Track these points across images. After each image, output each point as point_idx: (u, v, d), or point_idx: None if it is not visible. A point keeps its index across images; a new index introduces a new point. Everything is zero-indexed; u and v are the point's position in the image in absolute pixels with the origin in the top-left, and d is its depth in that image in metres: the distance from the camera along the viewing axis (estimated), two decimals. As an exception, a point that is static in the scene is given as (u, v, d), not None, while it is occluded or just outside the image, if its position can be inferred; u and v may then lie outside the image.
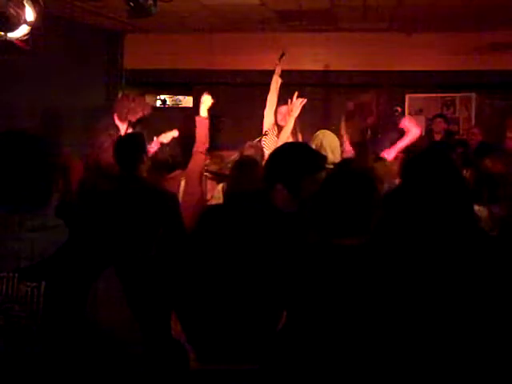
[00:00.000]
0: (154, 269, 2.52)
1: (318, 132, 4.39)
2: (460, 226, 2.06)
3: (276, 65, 5.39)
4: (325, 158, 2.44)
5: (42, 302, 1.53)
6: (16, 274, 1.55)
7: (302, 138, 5.10)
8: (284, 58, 5.03)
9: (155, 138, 4.98)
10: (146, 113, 5.26)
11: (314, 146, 4.26)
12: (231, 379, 1.05)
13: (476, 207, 2.65)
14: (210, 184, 4.84)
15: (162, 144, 5.02)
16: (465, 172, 3.92)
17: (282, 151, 2.45)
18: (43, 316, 1.53)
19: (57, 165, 1.70)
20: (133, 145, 3.53)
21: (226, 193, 3.29)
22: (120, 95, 6.76)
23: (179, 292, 1.09)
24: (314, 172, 2.24)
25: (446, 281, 1.96)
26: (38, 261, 1.55)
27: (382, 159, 4.48)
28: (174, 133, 5.28)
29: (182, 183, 4.13)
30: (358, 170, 2.63)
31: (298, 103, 4.55)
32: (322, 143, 4.22)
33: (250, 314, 1.06)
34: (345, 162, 4.03)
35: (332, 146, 4.24)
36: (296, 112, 4.57)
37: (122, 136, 3.73)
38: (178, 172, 4.41)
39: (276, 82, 5.44)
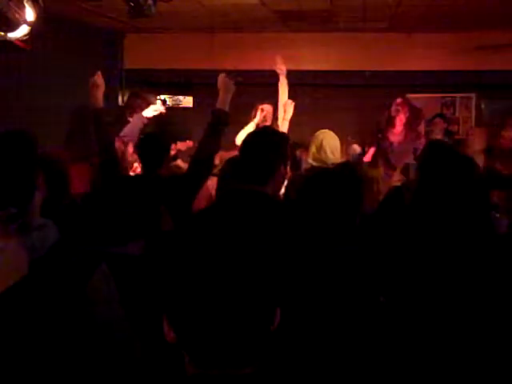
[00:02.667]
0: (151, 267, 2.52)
1: (319, 132, 4.38)
2: (475, 227, 2.07)
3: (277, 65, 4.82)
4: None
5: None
6: None
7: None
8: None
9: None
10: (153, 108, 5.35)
11: (314, 146, 4.25)
12: None
13: None
14: (210, 183, 4.83)
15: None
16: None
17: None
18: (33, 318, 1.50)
19: (37, 163, 1.66)
20: (158, 144, 3.50)
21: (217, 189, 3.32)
22: (129, 95, 6.80)
23: (169, 293, 1.07)
24: None
25: (453, 280, 1.96)
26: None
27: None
28: (189, 143, 5.38)
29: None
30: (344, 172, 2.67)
31: (289, 106, 4.50)
32: (322, 143, 4.22)
33: (244, 314, 1.05)
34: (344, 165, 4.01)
35: (332, 146, 4.23)
36: (289, 115, 4.52)
37: (147, 135, 3.76)
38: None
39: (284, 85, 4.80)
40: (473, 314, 1.90)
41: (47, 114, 5.81)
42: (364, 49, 7.12)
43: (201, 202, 4.08)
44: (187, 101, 7.99)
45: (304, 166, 4.85)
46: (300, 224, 2.09)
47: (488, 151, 5.67)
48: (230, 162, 3.21)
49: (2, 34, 3.79)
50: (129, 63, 7.59)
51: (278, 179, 2.33)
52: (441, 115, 7.31)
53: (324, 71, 7.37)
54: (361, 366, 1.77)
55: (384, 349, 1.81)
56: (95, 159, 4.70)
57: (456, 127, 7.80)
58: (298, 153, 5.65)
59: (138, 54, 7.44)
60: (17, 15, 3.76)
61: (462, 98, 7.89)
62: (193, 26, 6.85)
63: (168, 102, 7.82)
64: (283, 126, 4.50)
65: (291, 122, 4.65)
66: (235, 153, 4.62)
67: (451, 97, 7.90)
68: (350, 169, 3.39)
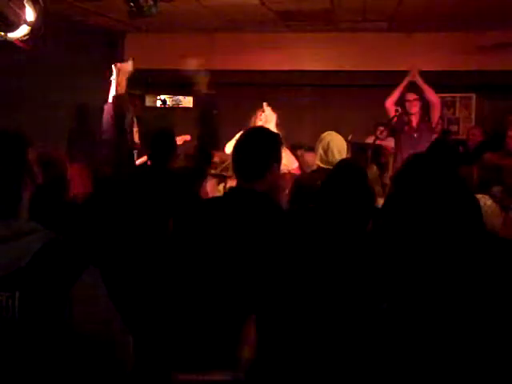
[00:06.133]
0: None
1: (325, 134, 4.35)
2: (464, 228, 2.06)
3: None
4: None
5: (17, 312, 1.48)
6: None
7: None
8: None
9: None
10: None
11: (320, 148, 4.24)
12: None
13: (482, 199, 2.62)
14: (209, 185, 4.84)
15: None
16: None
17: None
18: (19, 325, 1.48)
19: (25, 162, 1.61)
20: (166, 140, 3.72)
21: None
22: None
23: (153, 293, 1.06)
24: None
25: (443, 280, 1.96)
26: (12, 270, 1.48)
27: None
28: (187, 137, 5.40)
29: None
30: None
31: (268, 111, 4.65)
32: (329, 144, 4.19)
33: (225, 319, 1.04)
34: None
35: (340, 147, 4.21)
36: (271, 121, 4.65)
37: (156, 131, 3.94)
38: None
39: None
40: (477, 321, 1.89)
41: (47, 114, 5.82)
42: (364, 49, 7.12)
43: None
44: (187, 101, 7.99)
45: (305, 166, 4.84)
46: (301, 227, 2.08)
47: (479, 149, 5.68)
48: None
49: (2, 34, 3.79)
50: (129, 63, 7.59)
51: (273, 178, 2.31)
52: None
53: (324, 71, 7.37)
54: (361, 373, 1.76)
55: (385, 356, 1.80)
56: (103, 152, 4.76)
57: (456, 127, 7.79)
58: (298, 153, 5.65)
59: (138, 54, 7.43)
60: (17, 15, 3.76)
61: (461, 97, 7.88)
62: (193, 26, 6.85)
63: (168, 102, 7.83)
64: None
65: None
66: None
67: (451, 97, 7.90)
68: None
